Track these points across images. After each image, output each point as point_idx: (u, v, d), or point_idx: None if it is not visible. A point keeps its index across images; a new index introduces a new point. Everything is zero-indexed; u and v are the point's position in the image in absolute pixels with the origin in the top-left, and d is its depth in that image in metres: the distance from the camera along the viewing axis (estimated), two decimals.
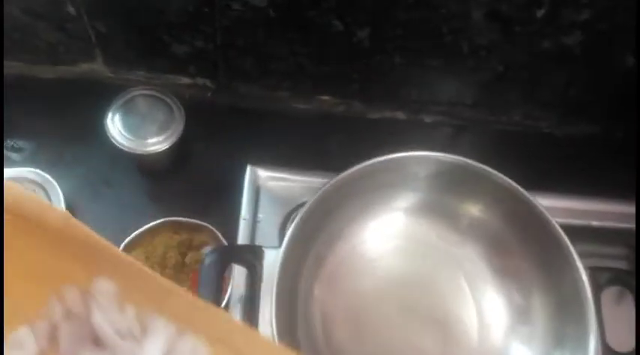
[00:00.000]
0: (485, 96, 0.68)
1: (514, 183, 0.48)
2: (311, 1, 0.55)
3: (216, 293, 0.43)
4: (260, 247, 0.45)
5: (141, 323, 0.34)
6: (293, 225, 0.43)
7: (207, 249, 0.46)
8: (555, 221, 0.47)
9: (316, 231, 0.47)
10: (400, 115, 0.71)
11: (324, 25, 0.57)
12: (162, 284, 0.35)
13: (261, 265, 0.43)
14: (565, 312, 0.46)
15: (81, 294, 0.35)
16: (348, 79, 0.66)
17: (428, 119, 0.71)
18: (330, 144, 0.68)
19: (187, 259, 0.59)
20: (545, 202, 0.49)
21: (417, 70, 0.63)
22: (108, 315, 0.35)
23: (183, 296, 0.36)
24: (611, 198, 0.60)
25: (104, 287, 0.36)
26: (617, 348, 0.45)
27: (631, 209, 0.57)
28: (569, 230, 0.50)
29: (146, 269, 0.36)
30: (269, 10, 0.56)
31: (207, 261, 0.43)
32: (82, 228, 0.35)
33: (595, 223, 0.58)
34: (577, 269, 0.45)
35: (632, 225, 0.56)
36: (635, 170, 0.55)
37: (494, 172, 0.48)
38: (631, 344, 0.45)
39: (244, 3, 0.55)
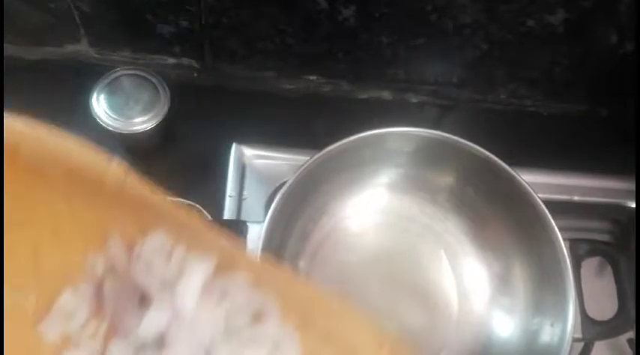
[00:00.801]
0: (470, 76, 0.68)
1: (493, 156, 0.49)
2: None
3: None
4: (244, 222, 0.45)
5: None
6: (276, 200, 0.44)
7: None
8: (536, 194, 0.48)
9: (300, 206, 0.49)
10: (387, 95, 0.72)
11: (309, 3, 0.58)
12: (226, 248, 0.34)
13: (245, 239, 0.44)
14: (545, 282, 0.48)
15: (127, 248, 0.33)
16: (334, 58, 0.67)
17: (414, 99, 0.72)
18: (316, 123, 0.69)
19: None
20: (528, 177, 0.50)
21: (403, 49, 0.64)
22: (154, 270, 0.32)
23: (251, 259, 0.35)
24: (594, 173, 0.61)
25: (156, 240, 0.33)
26: (596, 317, 0.46)
27: (614, 184, 0.59)
28: (552, 205, 0.51)
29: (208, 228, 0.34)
30: None
31: None
32: (140, 185, 0.33)
33: (577, 198, 0.59)
34: (557, 241, 0.46)
35: (615, 200, 0.58)
36: (635, 154, 0.56)
37: (474, 146, 0.49)
38: (609, 313, 0.46)
39: None
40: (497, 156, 0.52)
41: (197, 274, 0.32)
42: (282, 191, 0.44)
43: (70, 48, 0.67)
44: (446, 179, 0.53)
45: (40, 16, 0.62)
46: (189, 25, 0.62)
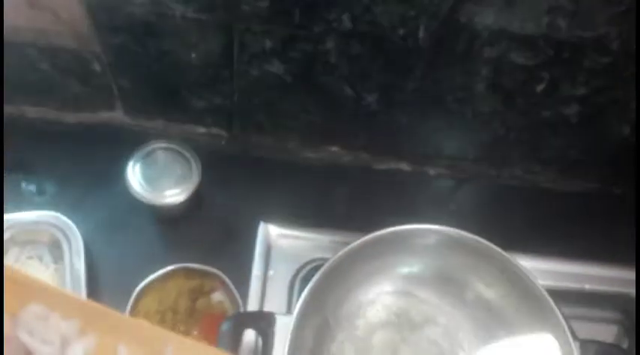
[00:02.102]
0: (486, 153, 0.73)
1: (511, 259, 0.53)
2: (324, 69, 0.60)
3: None
4: (272, 314, 0.50)
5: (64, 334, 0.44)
6: (302, 298, 0.48)
7: (224, 323, 0.50)
8: (556, 306, 0.52)
9: (323, 300, 0.53)
10: (405, 167, 0.76)
11: (336, 90, 0.62)
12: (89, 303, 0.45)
13: (272, 332, 0.48)
14: None
15: (11, 317, 0.43)
16: (355, 133, 0.71)
17: (432, 172, 0.76)
18: (337, 193, 0.73)
19: (198, 304, 0.64)
20: (541, 265, 0.54)
21: (422, 129, 0.69)
22: (35, 331, 0.43)
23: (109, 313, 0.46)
24: (605, 261, 0.64)
25: (33, 309, 0.44)
26: None
27: (624, 273, 0.62)
28: (564, 293, 0.55)
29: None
30: (285, 75, 0.61)
31: (224, 328, 0.48)
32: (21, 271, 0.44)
33: (588, 287, 0.62)
34: (567, 343, 0.50)
35: (626, 290, 0.61)
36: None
37: (491, 246, 0.53)
38: None
39: (262, 69, 0.60)
40: (507, 234, 0.56)
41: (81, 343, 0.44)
42: (306, 289, 0.48)
43: (104, 115, 0.72)
44: (464, 275, 0.57)
45: (80, 88, 0.67)
46: (221, 102, 0.67)
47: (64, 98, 0.69)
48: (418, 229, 0.54)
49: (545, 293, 0.52)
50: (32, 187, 0.70)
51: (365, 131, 0.70)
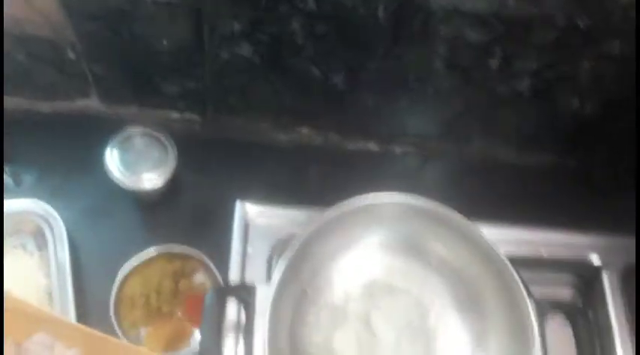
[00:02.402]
0: (448, 130, 0.77)
1: (471, 224, 0.57)
2: (291, 50, 0.63)
3: (218, 331, 0.52)
4: (253, 286, 0.53)
5: None
6: (279, 267, 0.52)
7: (207, 293, 0.53)
8: (511, 266, 0.56)
9: (299, 271, 0.56)
10: (373, 146, 0.80)
11: (303, 71, 0.66)
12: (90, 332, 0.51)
13: (254, 301, 0.52)
14: (515, 338, 0.56)
15: (17, 346, 0.49)
16: (324, 114, 0.75)
17: (398, 150, 0.80)
18: (310, 173, 0.77)
19: (181, 286, 0.67)
20: (500, 233, 0.58)
21: (386, 109, 0.72)
22: None
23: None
24: (562, 228, 0.69)
25: (38, 338, 0.49)
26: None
27: (579, 239, 0.67)
28: (521, 260, 0.59)
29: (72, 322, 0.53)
30: (254, 57, 0.64)
31: (208, 301, 0.52)
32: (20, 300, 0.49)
33: (545, 253, 0.67)
34: (525, 303, 0.54)
35: (580, 256, 0.66)
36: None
37: (453, 212, 0.58)
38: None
39: (232, 52, 0.63)
40: (470, 206, 0.60)
41: None
42: (283, 259, 0.52)
43: (80, 103, 0.74)
44: (429, 241, 0.61)
45: (55, 75, 0.69)
46: (193, 86, 0.70)
47: (39, 87, 0.71)
48: (384, 197, 0.57)
49: (502, 256, 0.56)
50: (9, 179, 0.72)
51: (334, 112, 0.74)
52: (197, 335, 0.64)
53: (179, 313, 0.66)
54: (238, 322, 0.58)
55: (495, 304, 0.58)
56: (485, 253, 0.58)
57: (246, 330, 0.51)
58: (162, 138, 0.67)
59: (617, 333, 0.62)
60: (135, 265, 0.66)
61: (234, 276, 0.61)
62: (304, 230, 0.54)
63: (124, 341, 0.53)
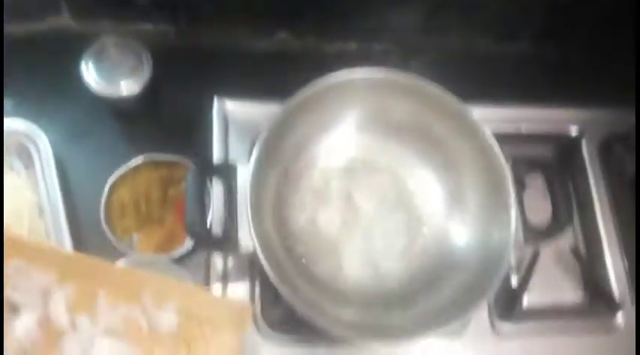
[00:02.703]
0: (427, 23, 0.76)
1: (442, 91, 0.58)
2: None
3: (200, 205, 0.53)
4: (234, 165, 0.54)
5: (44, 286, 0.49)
6: (258, 144, 0.52)
7: (188, 173, 0.54)
8: (480, 123, 0.57)
9: (279, 148, 0.57)
10: (353, 46, 0.79)
11: None
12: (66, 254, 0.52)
13: (235, 179, 0.53)
14: (492, 198, 0.57)
15: None
16: (301, 15, 0.74)
17: (378, 47, 0.80)
18: (288, 78, 0.75)
19: (170, 193, 0.68)
20: (479, 111, 0.59)
21: (365, 3, 0.71)
22: (17, 285, 0.49)
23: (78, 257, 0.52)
24: (539, 104, 0.69)
25: (16, 264, 0.49)
26: (536, 224, 0.56)
27: (557, 114, 0.68)
28: (502, 135, 0.60)
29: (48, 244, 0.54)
30: None
31: (189, 177, 0.53)
32: None
33: (524, 128, 0.68)
34: (500, 161, 0.56)
35: (558, 128, 0.67)
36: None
37: (425, 83, 0.59)
38: (543, 214, 0.57)
39: None
40: (454, 94, 0.61)
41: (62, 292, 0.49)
42: (261, 135, 0.52)
43: (51, 21, 0.73)
44: (404, 117, 0.62)
45: None
46: None
47: (9, 7, 0.70)
48: (359, 73, 0.58)
49: (478, 121, 0.57)
50: None
51: (311, 11, 0.73)
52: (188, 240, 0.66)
53: (170, 219, 0.67)
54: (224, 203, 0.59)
55: (472, 166, 0.60)
56: (460, 120, 0.59)
57: (230, 211, 0.53)
58: (136, 46, 0.67)
59: (596, 199, 0.64)
60: (121, 174, 0.66)
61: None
62: (281, 108, 0.55)
63: (99, 260, 0.53)
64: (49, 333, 0.47)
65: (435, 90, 0.59)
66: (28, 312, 0.47)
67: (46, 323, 0.47)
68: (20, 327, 0.46)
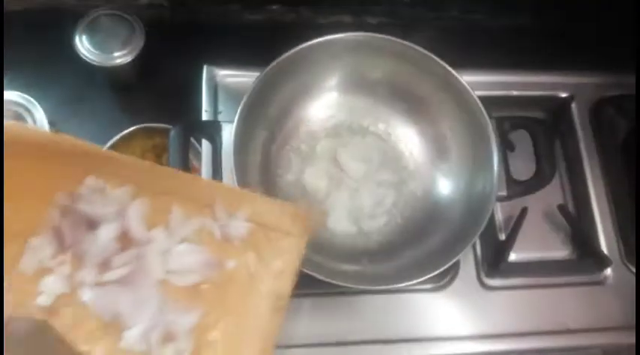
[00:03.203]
0: None
1: (428, 53, 0.59)
2: None
3: (183, 160, 0.55)
4: (218, 122, 0.55)
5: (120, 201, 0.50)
6: (242, 103, 0.54)
7: (172, 129, 0.56)
8: (465, 82, 0.58)
9: (264, 109, 0.58)
10: (347, 19, 0.80)
11: None
12: (139, 165, 0.51)
13: (220, 137, 0.54)
14: (475, 151, 0.59)
15: (70, 195, 0.50)
16: None
17: (373, 20, 0.80)
18: (281, 48, 0.77)
19: (163, 160, 0.70)
20: (471, 77, 0.60)
21: None
22: (94, 202, 0.49)
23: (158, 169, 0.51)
24: (529, 70, 0.70)
25: (91, 182, 0.50)
26: (519, 178, 0.57)
27: (546, 78, 0.68)
28: (493, 99, 0.61)
29: (121, 155, 0.52)
30: None
31: (173, 133, 0.54)
32: (66, 137, 0.50)
33: (515, 92, 0.68)
34: (483, 117, 0.57)
35: (548, 92, 0.67)
36: None
37: (410, 44, 0.60)
38: (529, 174, 0.57)
39: None
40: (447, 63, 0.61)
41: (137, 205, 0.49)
42: (246, 95, 0.54)
43: None
44: (386, 74, 0.63)
45: None
46: None
47: None
48: (342, 35, 0.59)
49: (462, 80, 0.58)
50: None
51: None
52: None
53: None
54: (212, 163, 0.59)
55: (456, 122, 0.61)
56: (442, 78, 0.60)
57: (214, 168, 0.54)
58: (129, 17, 0.68)
59: (585, 158, 0.64)
60: (116, 140, 0.68)
61: None
62: (264, 70, 0.56)
63: (173, 169, 0.53)
64: (127, 246, 0.48)
65: (415, 49, 0.60)
66: (106, 226, 0.48)
67: (124, 237, 0.48)
68: (99, 241, 0.48)
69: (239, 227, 0.48)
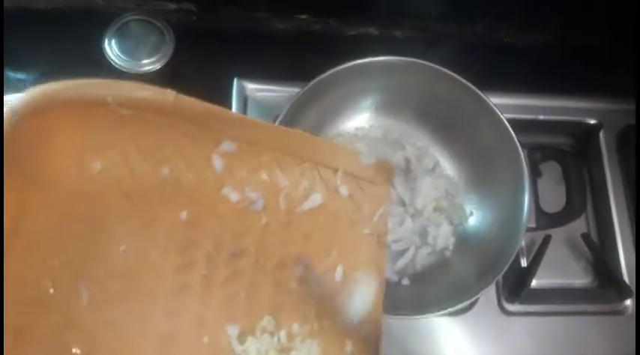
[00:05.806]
0: (449, 10, 0.78)
1: (461, 78, 0.61)
2: None
3: None
4: None
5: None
6: (281, 115, 0.56)
7: None
8: (498, 110, 0.60)
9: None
10: (373, 31, 0.82)
11: None
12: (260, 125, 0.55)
13: None
14: (508, 183, 0.60)
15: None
16: None
17: (399, 34, 0.82)
18: (309, 59, 0.79)
19: None
20: (497, 100, 0.61)
21: None
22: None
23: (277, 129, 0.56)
24: (556, 94, 0.72)
25: (226, 147, 0.55)
26: (546, 207, 0.59)
27: (574, 103, 0.70)
28: (519, 123, 0.62)
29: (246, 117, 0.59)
30: None
31: None
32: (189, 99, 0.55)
33: (542, 117, 0.70)
34: (516, 148, 0.58)
35: (575, 118, 0.69)
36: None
37: (445, 70, 0.62)
38: (556, 204, 0.59)
39: None
40: (472, 82, 0.63)
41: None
42: (279, 117, 0.56)
43: None
44: (419, 98, 0.65)
45: None
46: None
47: None
48: (380, 58, 0.60)
49: (492, 104, 0.60)
50: (21, 75, 0.75)
51: None
52: None
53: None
54: None
55: (490, 151, 0.63)
56: (479, 105, 0.62)
57: None
58: (159, 24, 0.70)
59: (610, 187, 0.66)
60: None
61: None
62: (299, 91, 0.58)
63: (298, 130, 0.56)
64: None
65: (453, 76, 0.61)
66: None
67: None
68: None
69: (339, 178, 0.56)
